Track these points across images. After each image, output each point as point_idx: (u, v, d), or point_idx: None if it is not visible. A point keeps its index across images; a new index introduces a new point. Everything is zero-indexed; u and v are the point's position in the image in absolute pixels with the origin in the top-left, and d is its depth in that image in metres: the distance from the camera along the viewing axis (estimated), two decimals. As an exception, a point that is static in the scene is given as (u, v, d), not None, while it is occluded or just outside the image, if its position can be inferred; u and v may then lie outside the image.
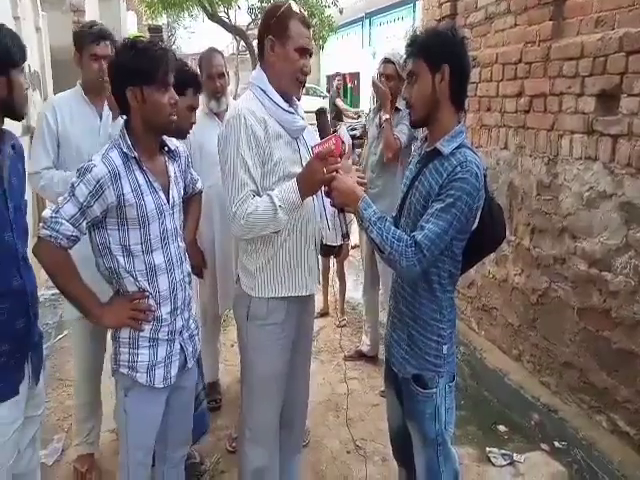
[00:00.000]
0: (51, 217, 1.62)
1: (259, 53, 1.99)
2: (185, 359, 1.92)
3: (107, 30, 2.45)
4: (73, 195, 1.63)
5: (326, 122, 1.90)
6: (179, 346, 1.88)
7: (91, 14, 7.97)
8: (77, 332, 2.55)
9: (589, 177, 2.88)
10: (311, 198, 1.94)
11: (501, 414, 3.12)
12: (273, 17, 1.90)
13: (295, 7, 1.92)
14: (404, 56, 3.12)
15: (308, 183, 1.81)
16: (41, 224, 1.64)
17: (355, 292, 4.78)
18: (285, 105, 1.93)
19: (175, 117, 1.75)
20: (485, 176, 1.69)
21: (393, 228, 1.67)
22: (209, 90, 2.93)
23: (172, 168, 1.86)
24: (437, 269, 1.73)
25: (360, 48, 25.41)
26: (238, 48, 23.34)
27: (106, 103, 2.47)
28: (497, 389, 3.36)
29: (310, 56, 1.95)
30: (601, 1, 2.75)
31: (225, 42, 33.10)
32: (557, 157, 3.09)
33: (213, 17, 18.72)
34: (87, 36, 2.40)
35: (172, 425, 1.97)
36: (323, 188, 1.82)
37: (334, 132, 1.86)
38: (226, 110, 2.91)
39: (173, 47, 30.14)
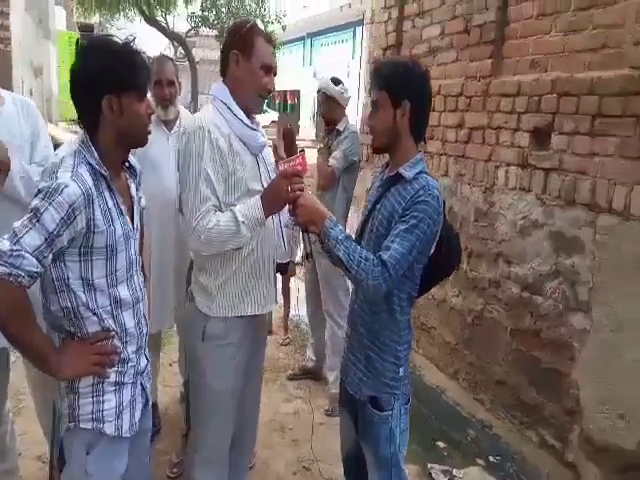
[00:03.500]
0: (11, 250, 1.33)
1: (221, 68, 2.00)
2: (146, 399, 1.74)
3: None
4: (38, 221, 1.35)
5: (292, 141, 1.91)
6: (140, 386, 1.69)
7: (17, 6, 7.59)
8: None
9: (523, 207, 3.08)
10: (271, 216, 1.94)
11: (440, 431, 3.25)
12: (238, 33, 1.93)
13: (261, 25, 1.96)
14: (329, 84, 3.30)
15: (273, 201, 1.82)
16: None
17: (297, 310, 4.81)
18: (248, 121, 1.94)
19: (150, 129, 1.62)
20: (444, 202, 1.76)
21: (359, 247, 1.70)
22: (157, 97, 2.79)
23: (133, 187, 1.69)
24: (398, 291, 1.76)
25: (301, 66, 25.80)
26: (176, 54, 22.97)
27: None
28: (435, 406, 3.49)
29: (275, 74, 1.98)
30: (536, 45, 2.97)
31: (160, 48, 32.46)
32: (494, 186, 3.28)
33: (150, 21, 18.39)
34: None
35: (131, 472, 1.72)
36: (287, 206, 1.83)
37: (301, 151, 1.86)
38: (175, 119, 2.87)
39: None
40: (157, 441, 2.99)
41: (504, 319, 3.24)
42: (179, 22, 20.91)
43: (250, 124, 1.95)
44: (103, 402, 1.56)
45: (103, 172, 1.49)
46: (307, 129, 20.82)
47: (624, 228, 2.50)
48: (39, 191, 1.40)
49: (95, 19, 21.36)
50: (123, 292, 1.57)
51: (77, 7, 18.50)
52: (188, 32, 19.89)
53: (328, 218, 1.73)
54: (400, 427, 1.87)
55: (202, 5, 18.61)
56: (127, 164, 1.67)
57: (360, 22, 19.86)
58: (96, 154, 1.49)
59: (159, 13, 18.95)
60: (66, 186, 1.38)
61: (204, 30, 18.88)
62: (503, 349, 3.25)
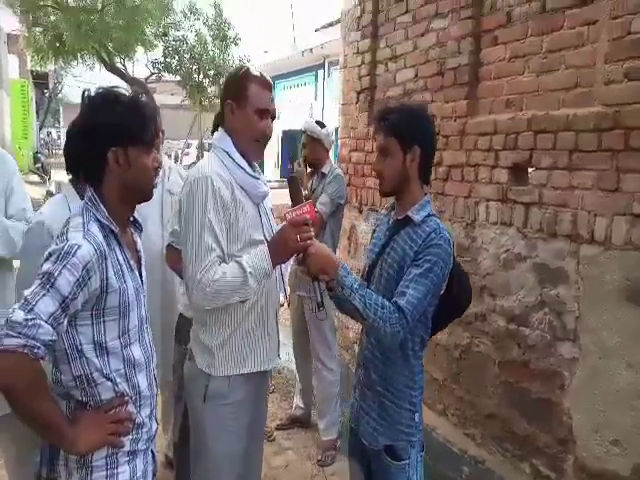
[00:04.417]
0: (25, 320, 1.25)
1: (220, 118, 2.00)
2: (155, 466, 1.67)
3: None
4: (52, 286, 1.29)
5: (298, 188, 1.89)
6: (151, 454, 1.62)
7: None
8: None
9: (505, 241, 3.16)
10: None
11: (435, 470, 3.20)
12: (231, 82, 1.95)
13: (254, 71, 1.96)
14: (314, 124, 3.36)
15: (281, 250, 1.78)
16: (5, 330, 1.25)
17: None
18: (250, 170, 1.92)
19: (156, 182, 1.61)
20: (453, 243, 1.78)
21: (375, 295, 1.69)
22: None
23: (139, 241, 1.66)
24: (412, 335, 1.75)
25: (265, 109, 26.24)
26: (135, 100, 23.01)
27: None
28: (427, 445, 3.42)
29: (273, 118, 1.96)
30: (510, 85, 3.10)
31: (120, 93, 32.52)
32: (475, 222, 3.36)
33: (110, 68, 18.42)
34: None
35: None
36: (295, 256, 1.80)
37: (307, 199, 1.87)
38: (158, 167, 2.88)
39: (59, 96, 28.88)
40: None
41: (492, 352, 3.27)
42: (139, 68, 21.06)
43: (252, 172, 1.93)
44: (117, 475, 1.46)
45: (113, 228, 1.46)
46: (272, 170, 21.07)
47: (606, 257, 2.58)
48: (50, 254, 1.35)
49: (50, 67, 21.22)
50: (136, 352, 1.52)
51: (32, 55, 18.32)
52: (148, 78, 20.00)
53: (341, 266, 1.70)
54: (417, 476, 1.82)
55: (164, 51, 18.81)
56: (132, 218, 1.64)
57: (321, 66, 20.40)
58: (105, 210, 1.46)
59: (118, 60, 19.04)
60: (79, 247, 1.35)
61: (166, 76, 19.03)
62: (492, 382, 3.26)
